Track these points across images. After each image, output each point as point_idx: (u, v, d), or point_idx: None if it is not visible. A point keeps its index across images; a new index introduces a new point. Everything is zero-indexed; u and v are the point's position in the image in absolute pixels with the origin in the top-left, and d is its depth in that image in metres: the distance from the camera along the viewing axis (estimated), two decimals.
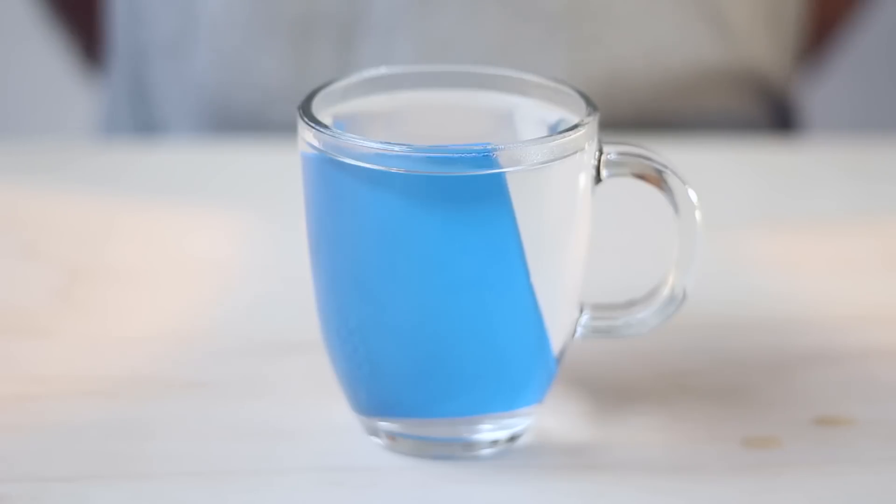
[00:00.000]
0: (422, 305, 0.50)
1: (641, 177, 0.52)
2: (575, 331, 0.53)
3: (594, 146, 0.51)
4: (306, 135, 0.50)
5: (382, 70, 0.54)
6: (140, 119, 0.92)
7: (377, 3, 0.83)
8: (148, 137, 0.90)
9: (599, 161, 0.52)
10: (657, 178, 0.52)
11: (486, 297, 0.50)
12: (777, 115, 0.91)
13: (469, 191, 0.48)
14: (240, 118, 0.85)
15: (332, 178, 0.49)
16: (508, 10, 0.83)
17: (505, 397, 0.52)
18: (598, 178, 0.52)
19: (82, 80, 1.14)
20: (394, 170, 0.48)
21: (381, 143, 0.48)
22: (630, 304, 0.54)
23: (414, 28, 0.83)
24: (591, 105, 0.51)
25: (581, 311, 0.53)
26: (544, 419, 0.54)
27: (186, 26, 0.86)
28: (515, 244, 0.49)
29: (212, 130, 0.86)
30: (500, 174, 0.48)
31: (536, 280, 0.50)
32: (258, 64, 0.84)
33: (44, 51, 1.39)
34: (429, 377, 0.51)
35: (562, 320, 0.52)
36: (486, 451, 0.52)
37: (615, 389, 0.57)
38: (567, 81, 0.53)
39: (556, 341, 0.52)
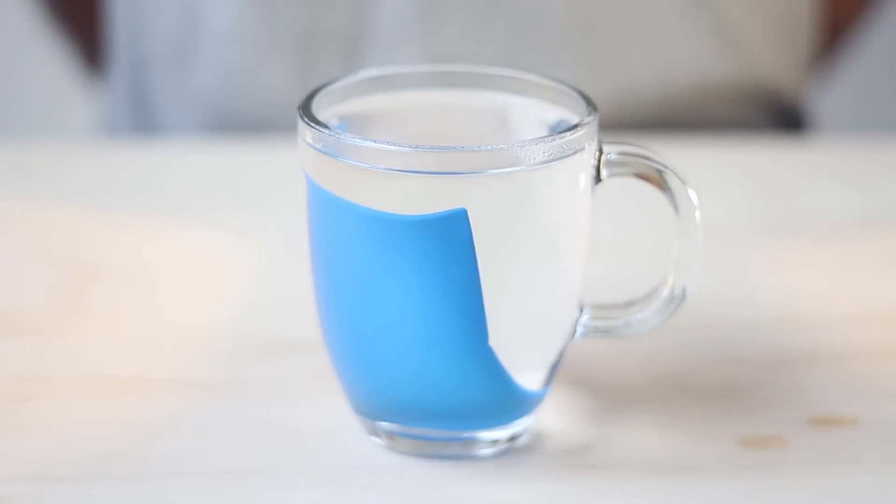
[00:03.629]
0: (415, 311, 0.50)
1: (642, 177, 0.52)
2: (575, 331, 0.53)
3: (594, 146, 0.51)
4: (306, 134, 0.50)
5: (383, 70, 0.54)
6: (141, 127, 0.91)
7: (382, 17, 0.82)
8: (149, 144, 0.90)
9: (599, 161, 0.52)
10: (657, 178, 0.52)
11: (443, 351, 0.50)
12: (787, 127, 0.90)
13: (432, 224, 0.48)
14: (243, 130, 0.85)
15: (332, 184, 0.49)
16: (514, 25, 0.82)
17: (488, 420, 0.52)
18: (598, 178, 0.52)
19: (84, 85, 1.14)
20: (394, 170, 0.48)
21: (382, 142, 0.48)
22: (630, 304, 0.54)
23: (419, 42, 0.82)
24: (591, 105, 0.51)
25: (581, 311, 0.53)
26: (544, 419, 0.54)
27: (188, 37, 0.86)
28: (473, 293, 0.49)
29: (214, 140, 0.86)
30: (461, 218, 0.48)
31: (536, 281, 0.50)
32: (263, 77, 0.84)
33: (45, 54, 1.39)
34: (419, 390, 0.51)
35: (562, 320, 0.52)
36: (486, 451, 0.52)
37: (615, 389, 0.56)
38: (567, 81, 0.53)
39: (533, 374, 0.52)
